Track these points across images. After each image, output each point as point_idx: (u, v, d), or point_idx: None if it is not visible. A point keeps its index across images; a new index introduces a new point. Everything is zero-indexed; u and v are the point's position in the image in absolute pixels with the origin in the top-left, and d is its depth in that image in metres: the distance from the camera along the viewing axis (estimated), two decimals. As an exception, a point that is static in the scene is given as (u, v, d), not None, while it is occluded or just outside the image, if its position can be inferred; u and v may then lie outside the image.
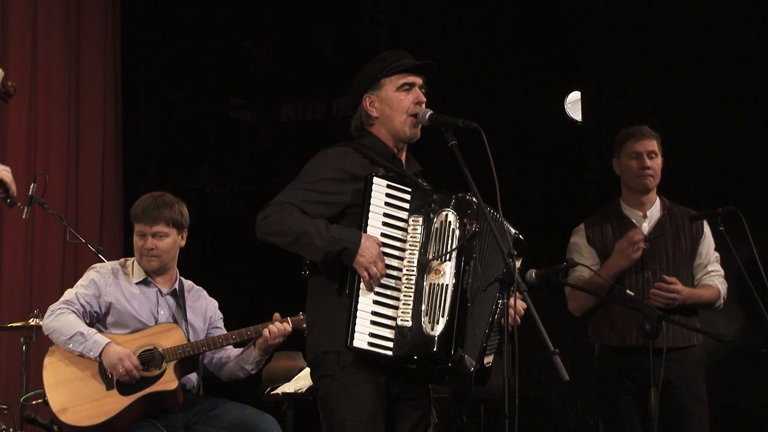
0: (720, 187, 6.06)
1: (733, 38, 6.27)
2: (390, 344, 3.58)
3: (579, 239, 5.02)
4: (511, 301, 3.56)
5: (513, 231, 3.82)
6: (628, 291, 4.70)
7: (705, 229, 4.99)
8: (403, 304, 3.61)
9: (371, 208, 3.64)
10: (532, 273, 4.26)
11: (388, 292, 3.62)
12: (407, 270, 3.64)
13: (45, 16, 6.82)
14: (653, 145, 4.95)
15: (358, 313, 3.58)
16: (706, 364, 5.04)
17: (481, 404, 6.30)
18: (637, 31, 6.57)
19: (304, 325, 4.58)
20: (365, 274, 3.57)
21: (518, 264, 3.88)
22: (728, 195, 5.51)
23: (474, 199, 3.68)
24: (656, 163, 4.95)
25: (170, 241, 4.80)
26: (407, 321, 3.59)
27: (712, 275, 4.95)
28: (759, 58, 6.22)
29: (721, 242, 4.94)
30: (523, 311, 3.67)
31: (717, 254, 5.00)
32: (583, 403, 6.83)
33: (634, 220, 4.96)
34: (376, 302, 3.60)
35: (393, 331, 3.59)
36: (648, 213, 4.98)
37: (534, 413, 6.84)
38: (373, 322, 3.58)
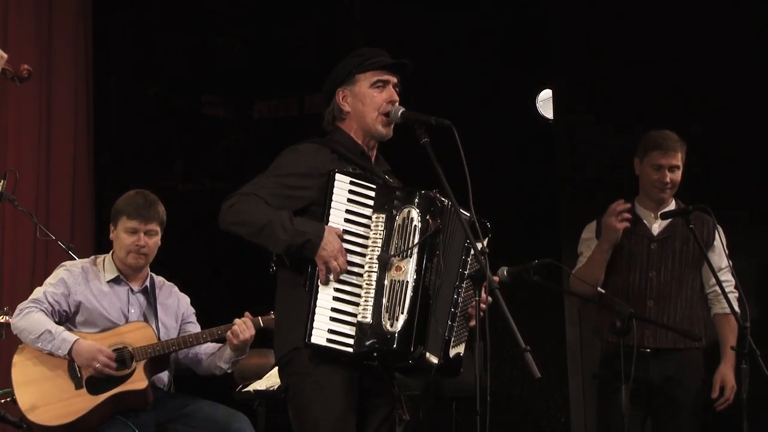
0: (696, 184, 6.09)
1: (708, 34, 6.30)
2: (350, 341, 3.59)
3: (590, 234, 5.05)
4: (483, 296, 3.58)
5: (468, 215, 3.75)
6: (599, 288, 4.72)
7: (717, 236, 4.99)
8: (364, 300, 3.61)
9: (333, 204, 3.65)
10: (503, 270, 4.27)
11: (349, 288, 3.62)
12: (369, 266, 3.64)
13: (16, 12, 6.77)
14: (677, 158, 4.96)
15: (317, 309, 3.58)
16: (702, 365, 5.05)
17: (453, 401, 6.31)
18: (609, 29, 6.58)
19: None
20: (323, 267, 3.57)
21: (485, 244, 3.86)
22: (703, 193, 5.54)
23: (440, 196, 3.69)
24: (677, 176, 4.97)
25: (158, 239, 4.84)
26: (367, 317, 3.59)
27: (722, 294, 4.89)
28: (734, 54, 6.25)
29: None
30: (490, 300, 3.65)
31: (729, 263, 4.99)
32: (554, 400, 6.85)
33: (645, 221, 4.98)
34: (336, 298, 3.60)
35: (354, 328, 3.59)
36: (659, 215, 4.99)
37: (506, 410, 6.85)
38: (333, 318, 3.59)
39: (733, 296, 4.94)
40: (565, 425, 6.77)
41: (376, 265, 3.63)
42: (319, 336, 3.56)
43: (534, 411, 6.96)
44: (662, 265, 4.92)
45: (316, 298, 3.59)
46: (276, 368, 5.47)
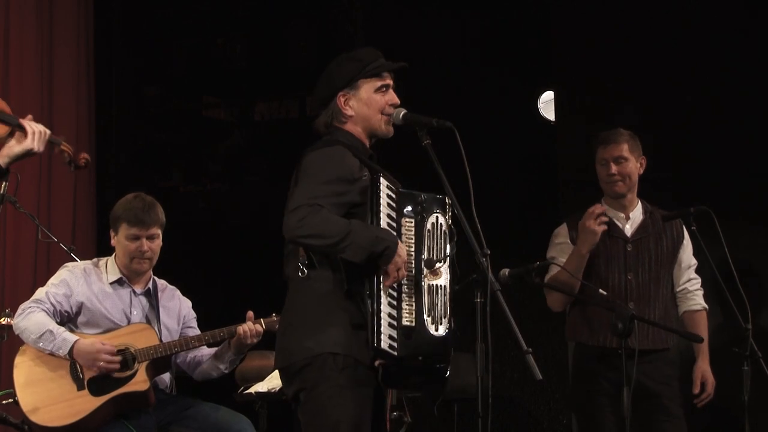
0: (694, 186, 6.09)
1: (709, 35, 6.30)
2: (395, 344, 3.59)
3: (562, 239, 5.03)
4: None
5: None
6: (600, 290, 4.72)
7: (685, 234, 5.02)
8: (406, 304, 3.62)
9: (381, 208, 3.65)
10: (505, 272, 4.27)
11: (393, 293, 3.63)
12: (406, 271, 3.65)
13: (17, 13, 6.77)
14: (621, 149, 4.96)
15: (381, 315, 3.57)
16: (681, 365, 5.08)
17: (454, 403, 6.31)
18: (610, 31, 6.58)
19: (278, 326, 4.58)
20: (395, 274, 3.57)
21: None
22: (702, 194, 5.54)
23: (449, 200, 3.71)
24: (626, 168, 4.96)
25: (159, 242, 4.83)
26: (411, 321, 3.62)
27: (693, 291, 5.03)
28: (733, 58, 6.25)
29: (694, 242, 4.97)
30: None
31: (695, 262, 5.05)
32: (556, 402, 6.85)
33: (618, 223, 4.98)
34: (389, 304, 3.61)
35: (397, 331, 3.60)
36: (630, 215, 5.00)
37: (507, 412, 6.85)
38: (390, 324, 3.59)
39: (701, 293, 5.03)
40: (566, 427, 6.76)
41: (414, 270, 3.65)
42: (384, 341, 3.56)
43: (535, 413, 6.96)
44: (639, 267, 4.93)
45: (379, 304, 3.58)
46: (277, 370, 5.50)
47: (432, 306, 3.64)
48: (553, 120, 7.06)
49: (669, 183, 6.12)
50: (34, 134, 4.03)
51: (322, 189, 3.66)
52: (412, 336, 3.60)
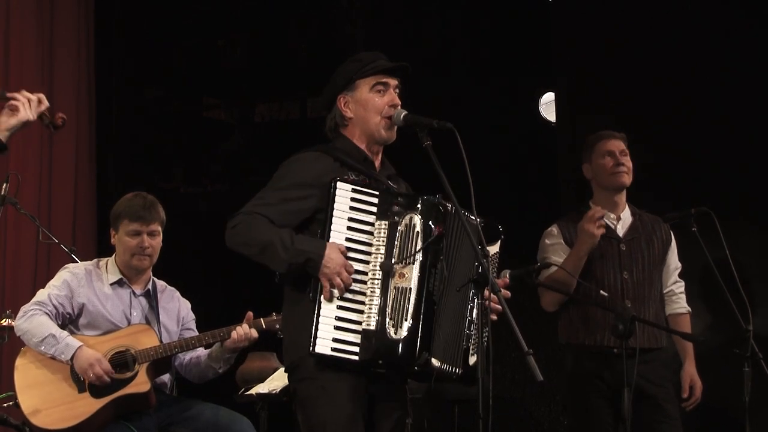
0: (694, 186, 6.09)
1: (707, 38, 6.30)
2: (356, 348, 3.58)
3: (555, 239, 5.02)
4: (487, 296, 3.57)
5: (479, 220, 3.74)
6: (601, 291, 4.72)
7: (672, 237, 5.07)
8: (368, 308, 3.61)
9: (335, 213, 3.64)
10: (505, 273, 4.27)
11: (354, 297, 3.62)
12: (372, 274, 3.63)
13: (18, 14, 6.77)
14: (623, 144, 5.02)
15: (321, 319, 3.58)
16: (675, 368, 5.08)
17: (455, 404, 6.31)
18: (611, 33, 6.59)
19: (278, 326, 4.58)
20: (327, 284, 3.58)
21: (497, 248, 3.88)
22: (702, 194, 5.54)
23: (443, 201, 3.68)
24: (628, 161, 5.00)
25: (160, 240, 4.83)
26: (371, 325, 3.59)
27: (678, 294, 5.06)
28: (733, 58, 6.26)
29: (694, 242, 4.97)
30: (499, 308, 3.66)
31: (680, 265, 5.08)
32: (556, 404, 6.85)
33: (608, 222, 4.98)
34: (340, 307, 3.60)
35: (359, 336, 3.59)
36: (621, 216, 5.02)
37: (508, 413, 6.85)
38: (338, 327, 3.59)
39: (684, 297, 5.06)
40: (567, 428, 6.77)
41: (380, 273, 3.63)
42: (323, 345, 3.56)
43: (536, 414, 6.96)
44: (633, 266, 4.94)
45: (319, 308, 3.60)
46: (278, 371, 5.52)
47: (394, 308, 3.60)
48: (554, 121, 7.06)
49: (669, 183, 6.13)
50: (26, 104, 3.99)
51: (273, 195, 3.72)
52: (372, 339, 3.58)
